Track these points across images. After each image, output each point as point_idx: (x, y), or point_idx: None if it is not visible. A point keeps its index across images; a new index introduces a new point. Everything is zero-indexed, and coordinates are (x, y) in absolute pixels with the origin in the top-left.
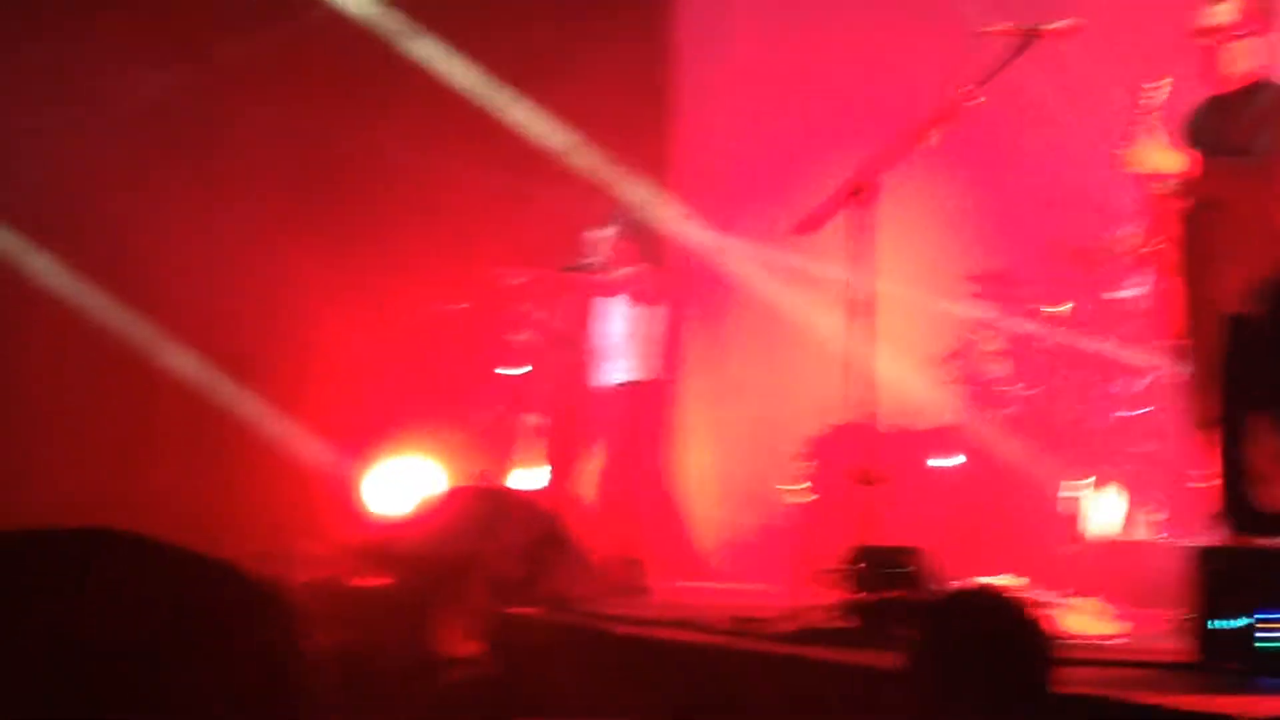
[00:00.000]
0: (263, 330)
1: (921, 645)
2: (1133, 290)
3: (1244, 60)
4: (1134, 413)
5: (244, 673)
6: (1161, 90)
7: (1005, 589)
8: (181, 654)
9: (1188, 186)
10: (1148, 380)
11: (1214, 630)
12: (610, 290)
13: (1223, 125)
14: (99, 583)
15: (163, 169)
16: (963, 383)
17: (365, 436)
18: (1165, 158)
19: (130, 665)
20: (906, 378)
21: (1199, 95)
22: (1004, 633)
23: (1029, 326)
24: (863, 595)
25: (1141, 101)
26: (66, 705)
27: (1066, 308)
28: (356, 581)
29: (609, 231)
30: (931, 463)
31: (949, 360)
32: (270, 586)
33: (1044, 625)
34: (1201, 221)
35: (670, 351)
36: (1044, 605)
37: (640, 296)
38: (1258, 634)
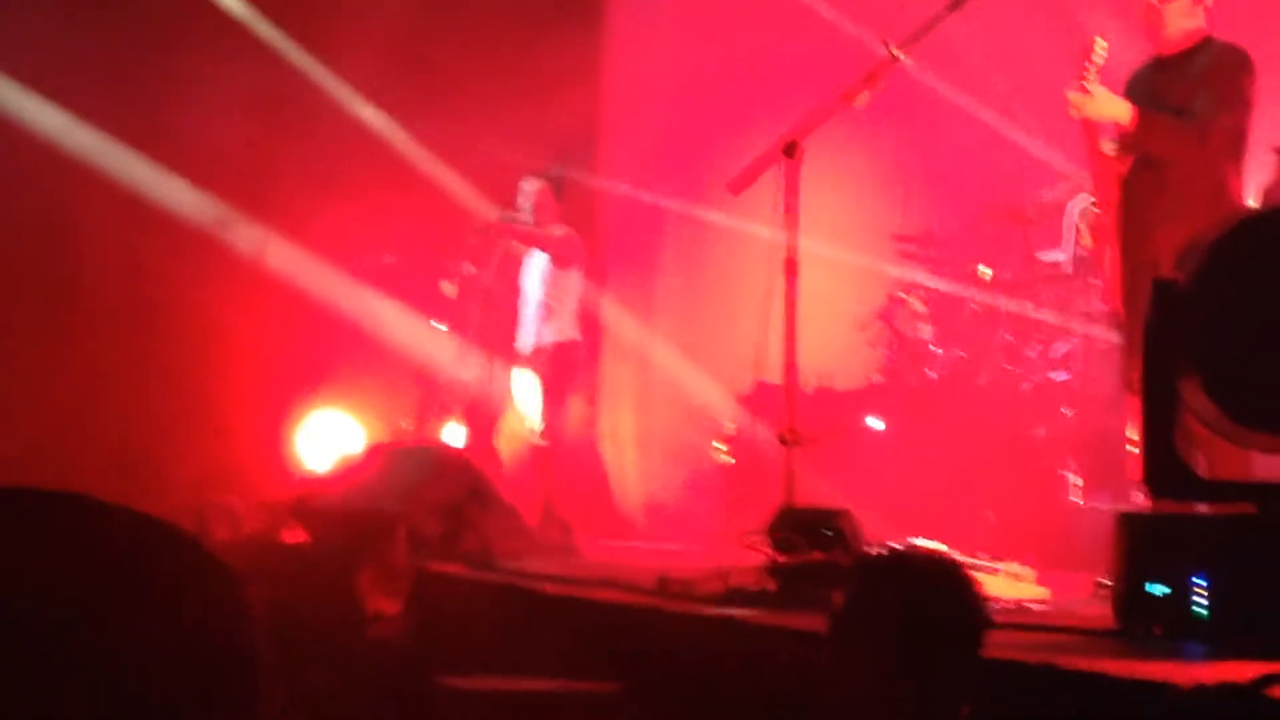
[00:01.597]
0: (189, 281)
1: (844, 609)
2: (1059, 253)
3: (1185, 20)
4: (1056, 376)
5: (198, 636)
6: (1100, 51)
7: (930, 552)
8: (133, 617)
9: (1128, 142)
10: (1072, 344)
11: (1136, 596)
12: (534, 243)
13: (1164, 85)
14: (49, 545)
15: None
16: (888, 344)
17: (289, 392)
18: (1114, 105)
19: (79, 629)
20: (832, 338)
21: (1140, 56)
22: (932, 597)
23: (955, 288)
24: (787, 557)
25: (1095, 54)
26: (10, 669)
27: (991, 271)
28: (280, 538)
29: (534, 185)
30: (856, 424)
31: (875, 321)
32: (211, 549)
33: (976, 589)
34: (1139, 183)
35: (585, 313)
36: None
37: (559, 260)
38: (1193, 599)
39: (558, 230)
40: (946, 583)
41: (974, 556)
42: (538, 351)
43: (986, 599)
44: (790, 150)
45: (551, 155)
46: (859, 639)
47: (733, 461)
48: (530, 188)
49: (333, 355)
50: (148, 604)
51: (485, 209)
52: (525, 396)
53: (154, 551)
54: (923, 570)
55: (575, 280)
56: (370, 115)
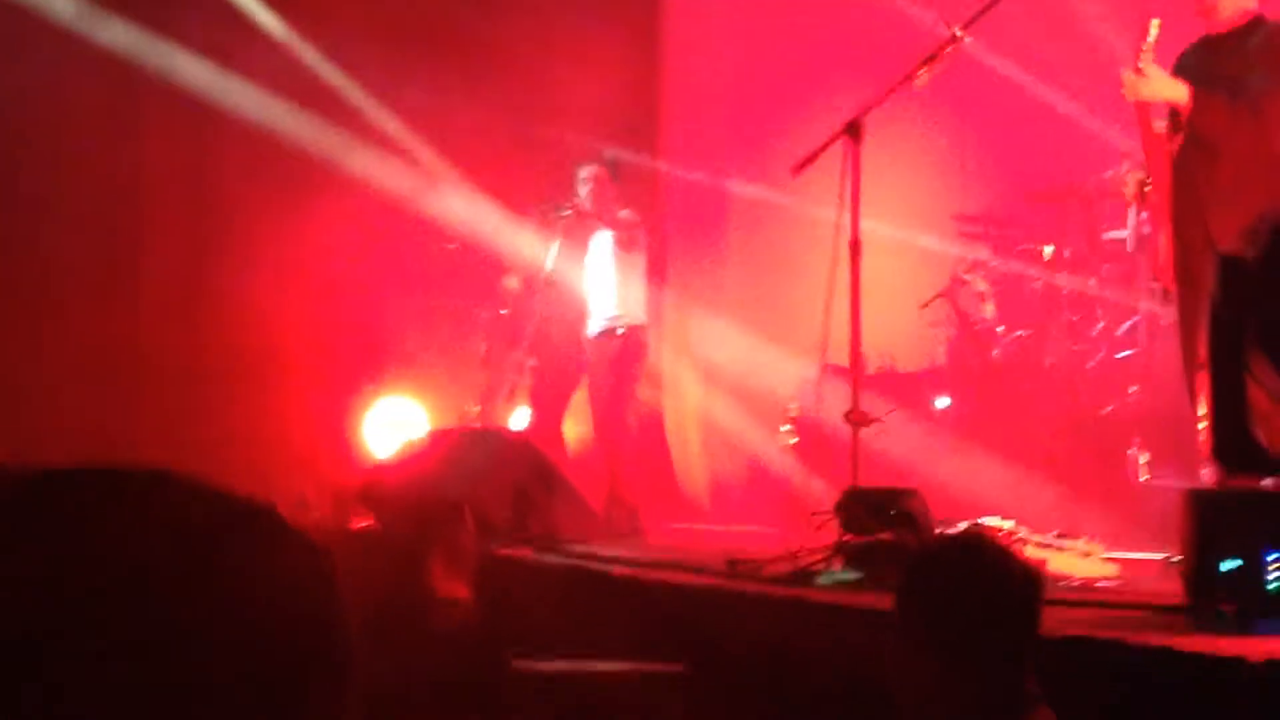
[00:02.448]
0: (249, 265)
1: (909, 589)
2: (1124, 231)
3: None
4: (1121, 354)
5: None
6: (1154, 32)
7: (993, 531)
8: (219, 594)
9: (1181, 122)
10: (1135, 321)
11: (1207, 572)
12: (609, 224)
13: (1215, 64)
14: (131, 522)
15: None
16: (951, 324)
17: (353, 377)
18: (1169, 86)
19: (164, 608)
20: (895, 319)
21: (1192, 35)
22: (991, 575)
23: (1017, 267)
24: (855, 537)
25: (1150, 35)
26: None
27: (1053, 249)
28: (349, 524)
29: (591, 170)
30: (922, 404)
31: (938, 301)
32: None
33: (1033, 567)
34: (1193, 161)
35: (653, 295)
36: (1033, 546)
37: (626, 242)
38: (1268, 575)
39: (622, 213)
40: (998, 560)
41: (1042, 534)
42: (606, 336)
43: (1044, 575)
44: (852, 130)
45: (606, 140)
46: (919, 620)
47: (798, 442)
48: (587, 173)
49: (397, 340)
50: (234, 580)
51: (544, 196)
52: (592, 380)
53: (240, 527)
54: (975, 550)
55: (641, 263)
56: (420, 98)
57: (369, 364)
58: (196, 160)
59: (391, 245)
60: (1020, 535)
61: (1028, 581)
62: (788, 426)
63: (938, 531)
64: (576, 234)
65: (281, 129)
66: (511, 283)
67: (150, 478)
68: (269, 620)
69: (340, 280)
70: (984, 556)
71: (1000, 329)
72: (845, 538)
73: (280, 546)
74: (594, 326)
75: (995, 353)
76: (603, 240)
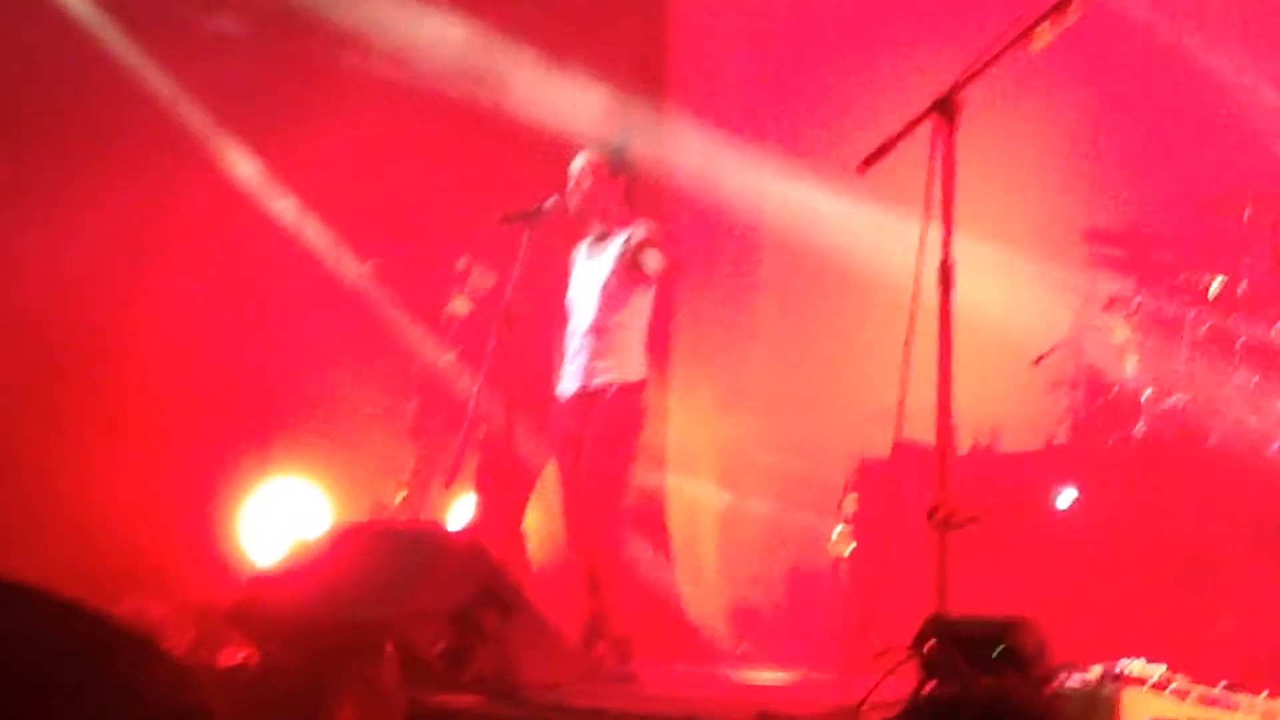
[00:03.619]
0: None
1: None
2: None
3: None
4: None
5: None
6: None
7: (1137, 680)
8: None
9: None
10: None
11: None
12: (588, 215)
13: None
14: (37, 641)
15: None
16: (1076, 386)
17: (225, 447)
18: None
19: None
20: (997, 378)
21: None
22: None
23: (1172, 307)
24: (939, 686)
25: None
26: None
27: (1223, 281)
28: (219, 659)
29: (582, 160)
30: (1036, 498)
31: (1057, 353)
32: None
33: None
34: None
35: (658, 343)
36: (1192, 703)
37: (629, 267)
38: None
39: (637, 225)
40: None
41: (1207, 685)
42: (588, 397)
43: None
44: (945, 109)
45: (613, 118)
46: None
47: (856, 550)
48: (580, 163)
49: (290, 398)
50: (101, 703)
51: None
52: (565, 457)
53: (107, 650)
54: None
55: (649, 298)
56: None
57: (248, 428)
58: None
59: (283, 262)
60: (1176, 686)
61: None
62: (843, 528)
63: (1059, 679)
64: (555, 243)
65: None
66: (457, 308)
67: (18, 590)
68: None
69: (210, 306)
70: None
71: (1146, 394)
72: (927, 687)
73: (149, 675)
74: (571, 383)
75: (1139, 428)
76: (594, 260)
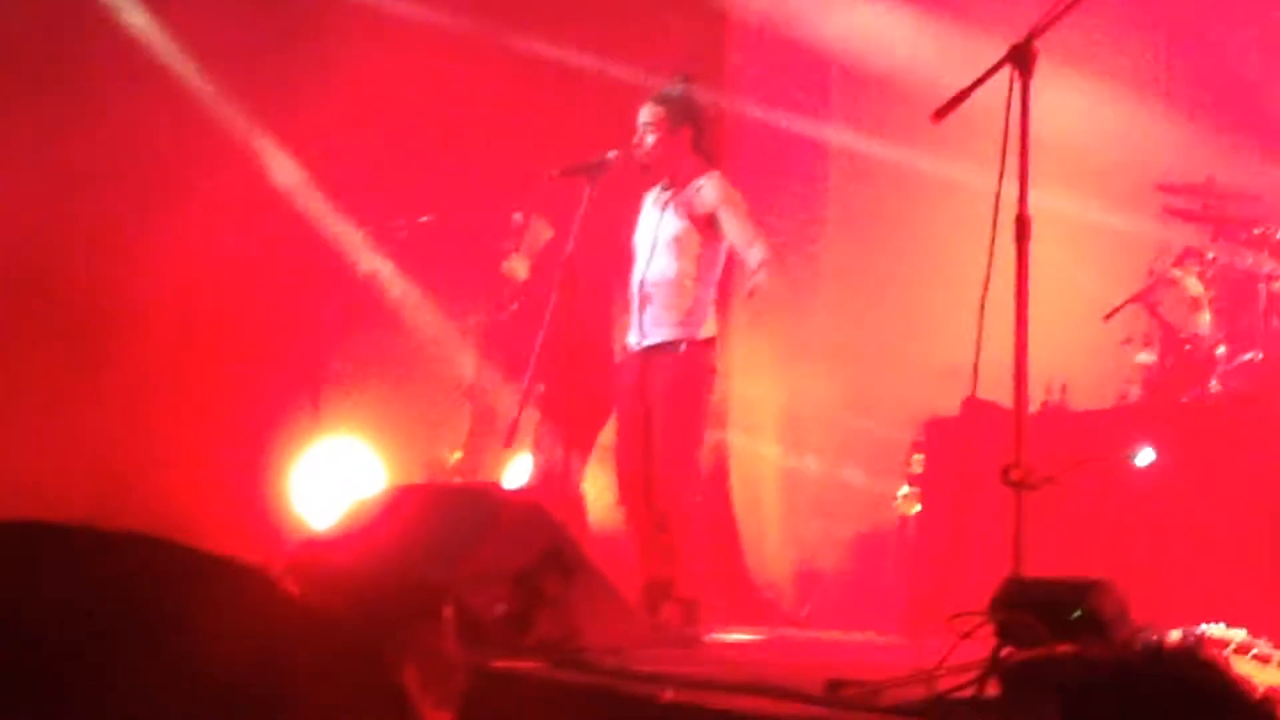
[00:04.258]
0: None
1: None
2: None
3: None
4: None
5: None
6: None
7: (1218, 642)
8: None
9: None
10: None
11: None
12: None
13: None
14: (56, 574)
15: None
16: (1150, 342)
17: (279, 410)
18: None
19: (93, 661)
20: (1069, 334)
21: None
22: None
23: (1248, 260)
24: (1014, 651)
25: None
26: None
27: None
28: None
29: (646, 113)
30: (1113, 457)
31: (1131, 309)
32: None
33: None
34: None
35: (724, 299)
36: (1277, 666)
37: (701, 221)
38: None
39: (703, 180)
40: (1225, 688)
41: None
42: (657, 352)
43: None
44: (1020, 58)
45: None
46: None
47: (923, 511)
48: (644, 116)
49: (343, 356)
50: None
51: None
52: (629, 416)
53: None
54: (1197, 675)
55: (721, 252)
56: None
57: (301, 387)
58: None
59: (337, 219)
60: (1259, 650)
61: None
62: (909, 489)
63: (1139, 642)
64: (618, 197)
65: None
66: (514, 268)
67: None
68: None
69: (262, 264)
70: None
71: (1221, 350)
72: (1004, 651)
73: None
74: (638, 337)
75: (1214, 384)
76: (664, 211)
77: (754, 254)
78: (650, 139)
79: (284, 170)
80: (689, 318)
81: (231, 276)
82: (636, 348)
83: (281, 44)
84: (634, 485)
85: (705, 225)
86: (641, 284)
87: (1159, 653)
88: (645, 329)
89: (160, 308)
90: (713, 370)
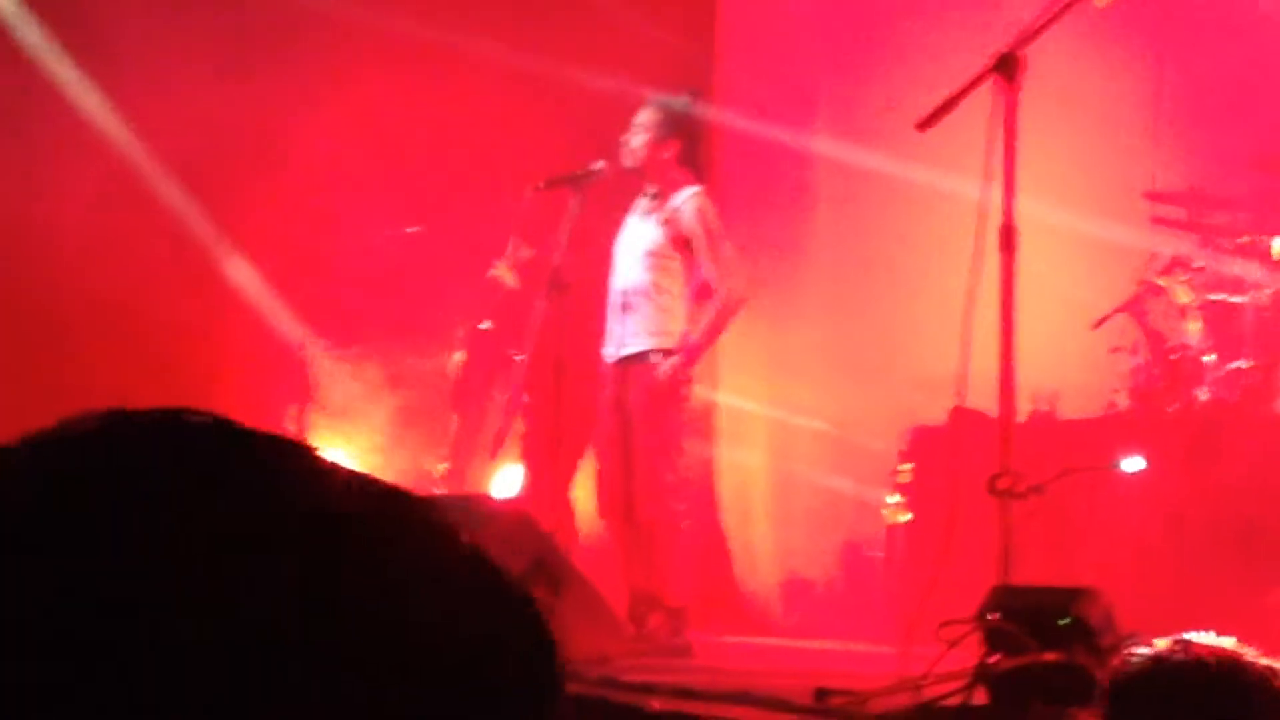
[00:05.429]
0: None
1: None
2: None
3: None
4: None
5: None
6: None
7: (1207, 651)
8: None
9: None
10: None
11: None
12: (639, 172)
13: None
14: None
15: None
16: (1137, 351)
17: (261, 426)
18: None
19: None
20: (1057, 343)
21: None
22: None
23: (1235, 269)
24: (1002, 659)
25: None
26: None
27: None
28: None
29: (640, 118)
30: (1100, 466)
31: (1118, 318)
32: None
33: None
34: None
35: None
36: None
37: (677, 238)
38: None
39: (685, 197)
40: (1233, 698)
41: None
42: (630, 362)
43: None
44: (1006, 67)
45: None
46: None
47: (912, 519)
48: (642, 117)
49: (328, 366)
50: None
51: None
52: (615, 426)
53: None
54: (1203, 680)
55: (694, 267)
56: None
57: (285, 397)
58: None
59: (325, 227)
60: (1247, 660)
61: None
62: (897, 498)
63: (1127, 652)
64: (607, 207)
65: None
66: (502, 274)
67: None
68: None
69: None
70: (1215, 688)
71: (1209, 358)
72: (991, 659)
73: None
74: (615, 347)
75: (1201, 392)
76: (643, 221)
77: (716, 299)
78: (637, 140)
79: (272, 177)
80: (664, 328)
81: (214, 284)
82: (614, 358)
83: (271, 58)
84: (614, 498)
85: (683, 245)
86: (622, 293)
87: (1153, 662)
88: (622, 339)
89: (141, 315)
90: (688, 380)
